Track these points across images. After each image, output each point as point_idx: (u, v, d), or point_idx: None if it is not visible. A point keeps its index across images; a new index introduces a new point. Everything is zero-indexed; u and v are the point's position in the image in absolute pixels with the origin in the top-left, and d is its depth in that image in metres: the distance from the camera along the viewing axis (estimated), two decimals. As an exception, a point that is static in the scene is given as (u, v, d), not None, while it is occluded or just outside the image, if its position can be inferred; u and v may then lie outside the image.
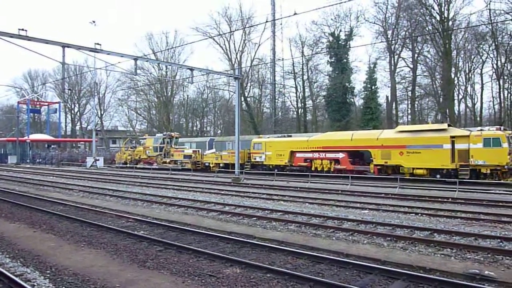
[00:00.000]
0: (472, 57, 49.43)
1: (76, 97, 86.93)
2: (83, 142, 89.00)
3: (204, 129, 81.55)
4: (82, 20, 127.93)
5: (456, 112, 50.46)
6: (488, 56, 48.30)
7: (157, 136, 48.12)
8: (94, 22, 65.05)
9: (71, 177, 35.30)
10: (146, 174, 37.45)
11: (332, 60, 53.09)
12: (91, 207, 17.64)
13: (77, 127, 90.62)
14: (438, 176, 26.63)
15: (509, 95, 48.33)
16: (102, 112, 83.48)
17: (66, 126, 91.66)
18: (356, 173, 30.63)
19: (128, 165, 48.69)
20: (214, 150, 44.33)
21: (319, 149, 33.01)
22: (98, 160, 53.46)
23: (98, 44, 23.44)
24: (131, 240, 11.50)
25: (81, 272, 8.67)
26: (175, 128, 70.42)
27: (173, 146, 46.00)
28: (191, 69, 29.82)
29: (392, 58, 52.91)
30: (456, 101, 50.36)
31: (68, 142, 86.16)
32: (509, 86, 48.13)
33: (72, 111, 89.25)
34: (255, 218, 14.63)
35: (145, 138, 50.27)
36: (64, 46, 22.47)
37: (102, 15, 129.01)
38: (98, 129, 79.21)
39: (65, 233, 12.50)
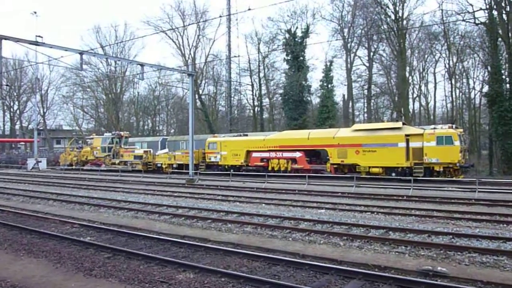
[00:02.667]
0: (426, 56, 51.61)
1: (15, 94, 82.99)
2: (23, 143, 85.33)
3: (156, 128, 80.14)
4: (22, 10, 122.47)
5: (411, 110, 52.29)
6: (441, 56, 50.71)
7: (106, 135, 46.85)
8: (35, 13, 62.37)
9: (9, 181, 33.85)
10: (94, 176, 36.54)
11: (289, 58, 53.66)
12: (32, 213, 16.94)
13: (17, 127, 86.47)
14: (393, 174, 27.57)
15: (460, 94, 51.08)
16: (44, 110, 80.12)
17: (4, 126, 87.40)
18: (313, 172, 31.15)
19: (74, 167, 47.18)
20: (166, 150, 43.76)
21: (275, 148, 33.31)
22: (41, 162, 51.42)
23: (39, 36, 22.58)
24: (76, 247, 11.16)
25: (20, 284, 8.32)
26: (125, 127, 68.78)
27: (122, 146, 44.99)
28: (142, 65, 29.27)
29: (348, 56, 54.31)
30: (410, 100, 52.22)
31: (6, 143, 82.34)
32: (461, 85, 50.84)
33: (11, 109, 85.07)
34: (209, 221, 14.58)
35: (92, 138, 48.76)
36: (1, 38, 21.47)
37: (44, 6, 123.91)
38: (41, 128, 76.02)
39: (2, 242, 11.92)
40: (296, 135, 33.24)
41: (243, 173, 34.10)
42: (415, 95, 54.02)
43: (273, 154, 33.46)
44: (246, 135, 38.19)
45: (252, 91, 64.26)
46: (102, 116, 75.79)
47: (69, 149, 51.07)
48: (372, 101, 56.51)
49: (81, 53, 25.94)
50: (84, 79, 71.11)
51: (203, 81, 66.49)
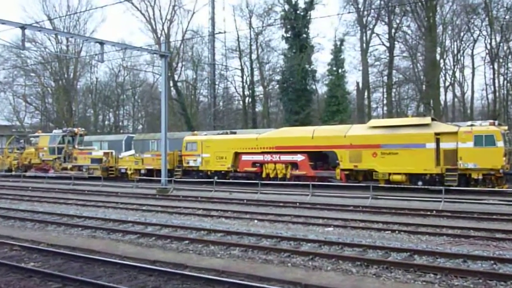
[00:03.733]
0: (462, 34, 51.55)
1: None
2: None
3: (120, 123, 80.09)
4: None
5: (442, 102, 52.73)
6: (481, 34, 50.32)
7: (55, 133, 46.59)
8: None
9: None
10: (39, 185, 36.36)
11: (288, 35, 53.83)
12: (-42, 232, 16.85)
13: None
14: (419, 183, 27.73)
15: (505, 82, 49.79)
16: (-26, 101, 79.80)
17: None
18: (318, 180, 31.27)
19: (13, 173, 46.89)
20: (133, 151, 43.63)
21: (271, 150, 33.40)
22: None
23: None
24: (16, 276, 11.11)
25: None
26: (80, 123, 68.49)
27: (76, 146, 44.80)
28: (102, 43, 29.13)
29: (364, 34, 54.46)
30: (442, 89, 52.56)
31: None
32: (505, 71, 49.45)
33: None
34: (187, 242, 14.61)
35: (37, 136, 48.53)
36: None
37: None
38: (-30, 123, 75.58)
39: None
40: (298, 133, 33.36)
41: (230, 181, 34.03)
42: (447, 83, 54.35)
43: (268, 157, 33.55)
44: (234, 133, 38.24)
45: (242, 77, 64.49)
46: (51, 108, 75.47)
47: (7, 150, 50.69)
48: (394, 90, 56.78)
49: (23, 27, 25.74)
50: (27, 61, 70.68)
51: (180, 64, 66.60)
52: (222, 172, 35.48)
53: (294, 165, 32.53)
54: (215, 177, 34.05)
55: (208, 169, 36.05)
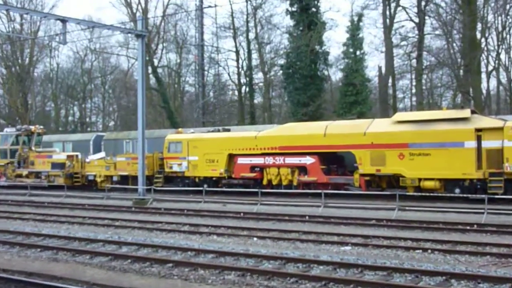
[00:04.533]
0: (508, 7, 51.13)
1: None
2: None
3: (87, 119, 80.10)
4: None
5: (484, 91, 52.55)
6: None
7: (7, 132, 46.55)
8: None
9: None
10: (-12, 196, 36.45)
11: (294, 9, 53.77)
12: None
13: None
14: (457, 190, 27.71)
15: None
16: None
17: None
18: (332, 188, 31.33)
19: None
20: (103, 154, 43.67)
21: (274, 151, 33.49)
22: None
23: None
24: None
25: None
26: (38, 119, 68.51)
27: (33, 148, 44.78)
28: (64, 21, 29.07)
29: (387, 7, 54.06)
30: (483, 75, 52.41)
31: None
32: None
33: None
34: (170, 265, 14.62)
35: (-15, 136, 48.51)
36: None
37: None
38: None
39: None
40: (306, 130, 33.41)
41: (224, 189, 34.28)
42: (490, 68, 54.20)
43: (270, 160, 33.69)
44: (228, 130, 38.44)
45: (237, 61, 64.47)
46: (1, 101, 75.50)
47: None
48: (424, 76, 56.79)
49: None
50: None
51: (161, 46, 66.75)
52: (214, 178, 35.63)
53: (302, 169, 32.65)
54: (205, 185, 34.18)
55: (196, 175, 36.18)
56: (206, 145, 35.93)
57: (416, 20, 53.66)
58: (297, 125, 36.23)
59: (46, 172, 42.55)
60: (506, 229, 19.31)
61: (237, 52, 63.99)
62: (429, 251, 15.94)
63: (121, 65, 76.79)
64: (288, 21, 56.46)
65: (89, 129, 76.01)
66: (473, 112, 29.28)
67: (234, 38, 63.75)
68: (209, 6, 61.15)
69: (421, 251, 16.01)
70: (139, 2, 63.17)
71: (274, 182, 33.42)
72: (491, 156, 27.11)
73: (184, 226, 22.02)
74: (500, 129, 26.96)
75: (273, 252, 15.88)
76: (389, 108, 52.93)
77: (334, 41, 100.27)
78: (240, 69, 64.16)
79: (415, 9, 53.65)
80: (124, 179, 38.76)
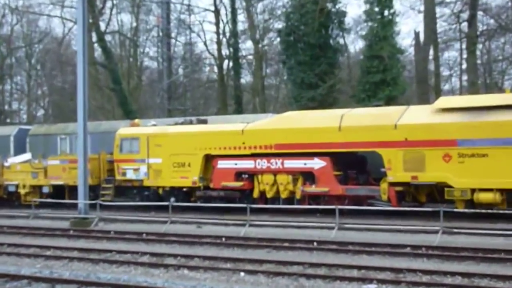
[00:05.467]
0: None
1: None
2: None
3: (6, 107, 79.67)
4: None
5: None
6: None
7: None
8: None
9: None
10: None
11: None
12: None
13: None
14: (525, 206, 27.98)
15: None
16: None
17: None
18: (351, 202, 31.39)
19: None
20: (29, 156, 43.53)
21: (269, 151, 33.57)
22: None
23: None
24: None
25: None
26: None
27: None
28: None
29: None
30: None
31: None
32: None
33: None
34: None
35: None
36: None
37: None
38: None
39: None
40: (314, 122, 33.44)
41: (199, 204, 34.36)
42: None
43: (263, 164, 33.75)
44: (205, 122, 38.45)
45: (217, 25, 64.33)
46: None
47: None
48: (480, 46, 56.79)
49: None
50: None
51: (109, 4, 66.51)
52: (184, 189, 35.78)
53: (309, 176, 32.70)
54: (172, 199, 34.33)
55: (159, 185, 36.28)
56: (174, 143, 36.02)
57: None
58: (301, 115, 36.05)
59: None
60: None
61: (216, 12, 63.97)
62: (486, 290, 16.14)
63: (54, 31, 76.72)
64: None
65: (8, 120, 75.67)
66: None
67: (213, -7, 64.01)
68: None
69: (474, 290, 16.20)
70: None
71: (269, 195, 33.49)
72: None
73: (142, 256, 22.02)
74: None
75: (267, 293, 16.05)
76: (430, 91, 53.05)
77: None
78: (221, 37, 64.23)
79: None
80: (58, 191, 38.71)
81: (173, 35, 65.41)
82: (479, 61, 56.93)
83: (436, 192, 29.99)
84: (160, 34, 65.05)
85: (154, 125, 38.94)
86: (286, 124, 34.13)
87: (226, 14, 63.24)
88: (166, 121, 41.69)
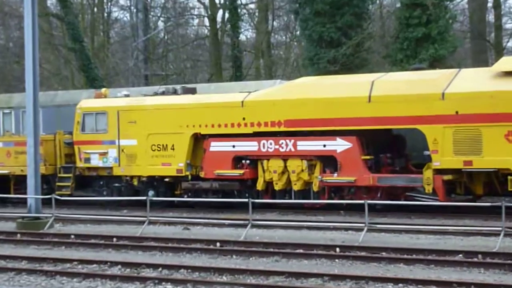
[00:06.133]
0: None
1: None
2: None
3: None
4: None
5: None
6: None
7: None
8: None
9: None
10: None
11: None
12: None
13: None
14: None
15: None
16: None
17: None
18: (385, 195, 31.48)
19: None
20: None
21: (277, 129, 33.55)
22: None
23: None
24: None
25: None
26: None
27: None
28: None
29: None
30: None
31: None
32: None
33: None
34: None
35: None
36: None
37: None
38: None
39: None
40: (336, 91, 33.25)
41: (186, 199, 34.50)
42: None
43: (269, 146, 33.64)
44: (193, 92, 38.34)
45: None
46: None
47: None
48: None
49: None
50: None
51: None
52: (167, 180, 35.83)
53: (329, 161, 32.67)
54: (150, 192, 34.53)
55: (134, 174, 36.33)
56: (153, 119, 35.92)
57: None
58: (318, 82, 35.88)
59: None
60: None
61: None
62: None
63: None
64: None
65: None
66: None
67: None
68: None
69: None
70: None
71: (278, 186, 33.45)
72: None
73: (112, 267, 21.79)
74: None
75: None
76: (487, 49, 52.89)
77: None
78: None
79: None
80: (0, 183, 38.77)
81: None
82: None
83: (497, 182, 29.80)
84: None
85: (127, 95, 38.72)
86: (299, 93, 33.93)
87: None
88: (142, 91, 41.59)
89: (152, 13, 65.02)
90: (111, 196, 35.78)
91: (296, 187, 33.01)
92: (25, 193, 32.77)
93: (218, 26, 63.50)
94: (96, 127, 36.85)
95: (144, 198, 32.17)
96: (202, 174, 34.85)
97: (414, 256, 21.92)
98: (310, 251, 23.27)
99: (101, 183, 37.06)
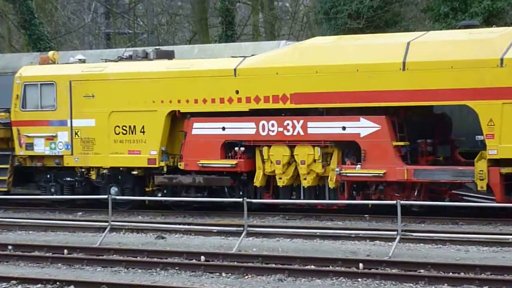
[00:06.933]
0: None
1: None
2: None
3: None
4: None
5: None
6: None
7: None
8: None
9: None
10: None
11: None
12: None
13: None
14: None
15: None
16: None
17: None
18: (424, 194, 31.59)
19: None
20: None
21: (280, 105, 33.63)
22: None
23: None
24: None
25: None
26: None
27: None
28: None
29: None
30: None
31: None
32: None
33: None
34: None
35: None
36: None
37: None
38: None
39: None
40: (359, 56, 33.37)
41: (160, 198, 34.61)
42: None
43: (270, 128, 33.75)
44: (170, 56, 38.49)
45: None
46: None
47: None
48: None
49: None
50: None
51: None
52: (135, 172, 35.95)
53: (350, 149, 32.89)
54: (114, 189, 34.75)
55: (91, 165, 36.42)
56: (116, 92, 36.04)
57: None
58: (336, 43, 35.90)
59: None
60: None
61: None
62: None
63: None
64: None
65: None
66: None
67: None
68: None
69: None
70: None
71: (282, 182, 33.53)
72: None
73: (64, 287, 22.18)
74: None
75: None
76: None
77: None
78: None
79: None
80: None
81: None
82: None
83: None
84: None
85: (82, 61, 38.71)
86: (311, 59, 33.97)
87: None
88: (102, 55, 41.63)
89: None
90: (61, 194, 35.78)
91: (306, 182, 33.01)
92: None
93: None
94: (41, 102, 36.80)
95: (105, 196, 32.19)
96: (181, 166, 34.87)
97: (462, 275, 21.99)
98: (325, 267, 23.27)
99: (48, 176, 36.97)
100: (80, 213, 33.66)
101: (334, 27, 47.94)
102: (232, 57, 35.60)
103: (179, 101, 34.67)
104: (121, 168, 35.63)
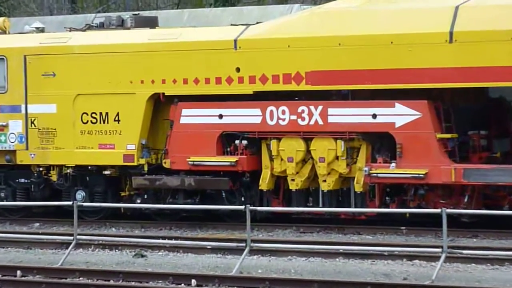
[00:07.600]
0: None
1: None
2: None
3: None
4: None
5: None
6: None
7: None
8: None
9: None
10: None
11: None
12: None
13: None
14: None
15: None
16: None
17: None
18: (477, 202, 31.42)
19: None
20: None
21: (292, 87, 33.52)
22: None
23: None
24: None
25: None
26: None
27: None
28: None
29: None
30: None
31: None
32: None
33: None
34: None
35: None
36: None
37: None
38: None
39: None
40: (394, 25, 33.27)
41: (139, 205, 34.49)
42: None
43: (280, 116, 33.67)
44: (154, 24, 38.47)
45: None
46: None
47: None
48: None
49: None
50: None
51: None
52: (107, 172, 35.94)
53: (382, 142, 32.88)
54: (79, 194, 34.63)
55: (52, 163, 36.43)
56: (84, 70, 35.94)
57: None
58: (363, 8, 35.52)
59: None
60: None
61: None
62: None
63: None
64: None
65: None
66: None
67: None
68: None
69: None
70: None
71: (295, 184, 33.50)
72: None
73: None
74: None
75: None
76: None
77: None
78: None
79: None
80: None
81: None
82: None
83: None
84: None
85: (40, 29, 38.68)
86: (331, 28, 33.93)
87: None
88: (66, 22, 41.58)
89: None
90: (14, 200, 35.77)
91: (325, 185, 32.94)
92: None
93: None
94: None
95: (69, 203, 32.25)
96: (166, 164, 34.84)
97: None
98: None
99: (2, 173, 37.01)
100: (37, 224, 33.66)
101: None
102: (232, 25, 35.50)
103: (163, 81, 34.53)
104: (89, 167, 35.55)
